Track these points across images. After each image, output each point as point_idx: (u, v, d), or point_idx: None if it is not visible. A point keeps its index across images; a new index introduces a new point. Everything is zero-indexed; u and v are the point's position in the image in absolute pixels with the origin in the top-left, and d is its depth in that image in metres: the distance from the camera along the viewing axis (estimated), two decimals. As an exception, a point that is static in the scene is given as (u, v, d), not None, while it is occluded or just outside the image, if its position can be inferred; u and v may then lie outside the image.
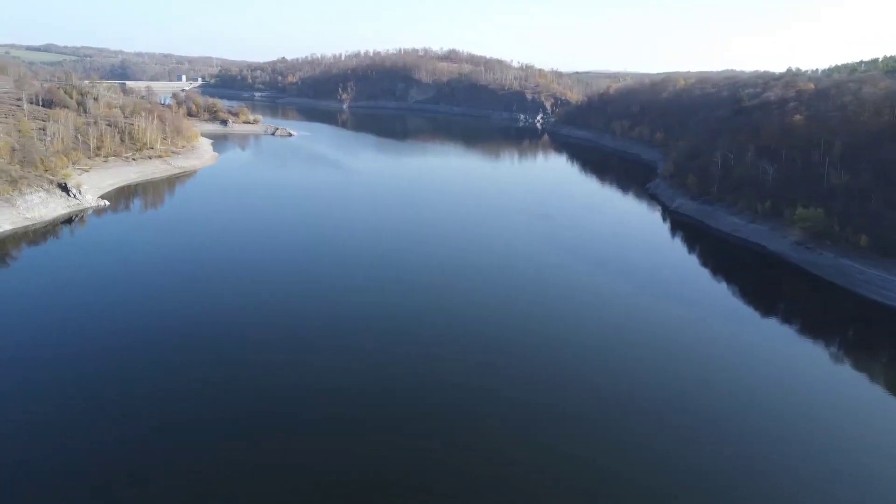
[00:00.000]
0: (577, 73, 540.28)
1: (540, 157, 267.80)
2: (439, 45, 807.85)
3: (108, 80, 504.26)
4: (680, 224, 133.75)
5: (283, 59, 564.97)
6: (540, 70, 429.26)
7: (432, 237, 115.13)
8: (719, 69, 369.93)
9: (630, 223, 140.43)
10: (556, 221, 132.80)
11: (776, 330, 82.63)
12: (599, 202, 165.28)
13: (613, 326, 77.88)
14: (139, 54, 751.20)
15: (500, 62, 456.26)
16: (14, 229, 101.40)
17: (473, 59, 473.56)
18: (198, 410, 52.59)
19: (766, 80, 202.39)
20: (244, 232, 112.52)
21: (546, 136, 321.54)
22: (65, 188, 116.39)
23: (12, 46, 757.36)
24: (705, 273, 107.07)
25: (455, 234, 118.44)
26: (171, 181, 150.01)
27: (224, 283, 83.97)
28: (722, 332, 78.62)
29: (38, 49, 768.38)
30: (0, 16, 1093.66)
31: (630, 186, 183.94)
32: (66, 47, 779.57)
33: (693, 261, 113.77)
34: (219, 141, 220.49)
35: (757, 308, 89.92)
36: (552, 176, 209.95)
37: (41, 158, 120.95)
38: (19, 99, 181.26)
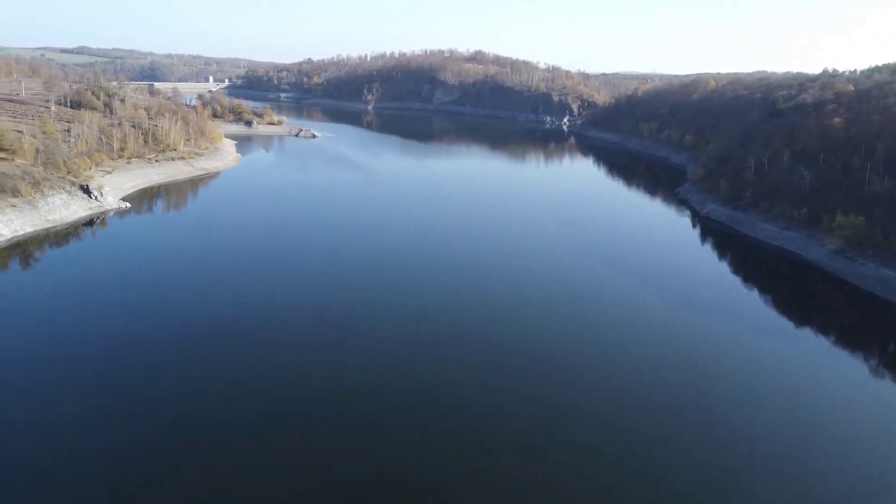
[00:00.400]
0: (604, 74, 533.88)
1: (566, 159, 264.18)
2: (465, 46, 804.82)
3: (137, 81, 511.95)
4: (710, 230, 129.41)
5: (309, 60, 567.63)
6: (567, 71, 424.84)
7: (455, 240, 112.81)
8: (750, 70, 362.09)
9: (658, 228, 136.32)
10: (581, 226, 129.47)
11: (812, 342, 78.55)
12: (626, 206, 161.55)
13: (638, 335, 74.83)
14: (169, 56, 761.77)
15: (526, 63, 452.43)
16: (35, 231, 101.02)
17: (499, 61, 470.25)
18: (217, 408, 52.96)
19: (801, 82, 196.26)
20: (263, 234, 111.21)
21: (572, 139, 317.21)
22: (86, 190, 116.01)
23: (47, 49, 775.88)
24: (736, 281, 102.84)
25: (479, 236, 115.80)
26: (194, 183, 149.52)
27: (241, 284, 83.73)
28: (753, 344, 74.72)
29: (71, 51, 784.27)
30: (35, 19, 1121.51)
31: (658, 190, 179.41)
32: (98, 49, 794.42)
33: (724, 269, 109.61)
34: (243, 142, 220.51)
35: (791, 319, 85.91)
36: (578, 179, 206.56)
37: (64, 160, 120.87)
38: (48, 100, 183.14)
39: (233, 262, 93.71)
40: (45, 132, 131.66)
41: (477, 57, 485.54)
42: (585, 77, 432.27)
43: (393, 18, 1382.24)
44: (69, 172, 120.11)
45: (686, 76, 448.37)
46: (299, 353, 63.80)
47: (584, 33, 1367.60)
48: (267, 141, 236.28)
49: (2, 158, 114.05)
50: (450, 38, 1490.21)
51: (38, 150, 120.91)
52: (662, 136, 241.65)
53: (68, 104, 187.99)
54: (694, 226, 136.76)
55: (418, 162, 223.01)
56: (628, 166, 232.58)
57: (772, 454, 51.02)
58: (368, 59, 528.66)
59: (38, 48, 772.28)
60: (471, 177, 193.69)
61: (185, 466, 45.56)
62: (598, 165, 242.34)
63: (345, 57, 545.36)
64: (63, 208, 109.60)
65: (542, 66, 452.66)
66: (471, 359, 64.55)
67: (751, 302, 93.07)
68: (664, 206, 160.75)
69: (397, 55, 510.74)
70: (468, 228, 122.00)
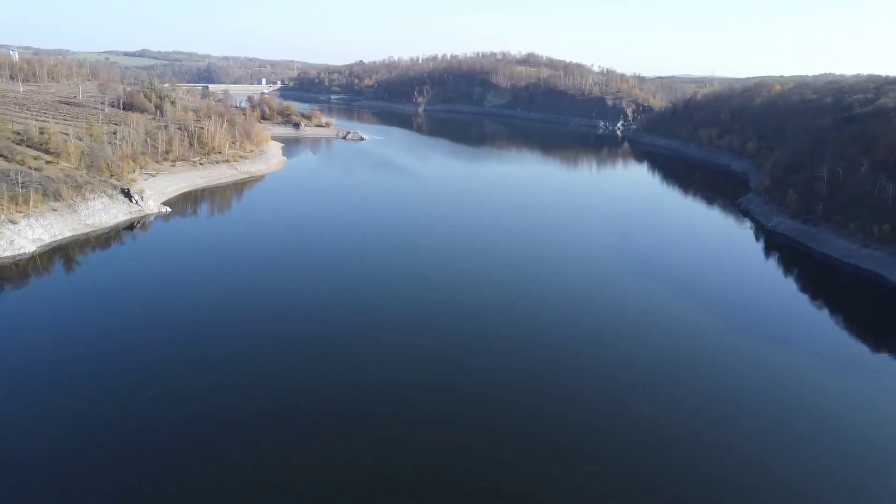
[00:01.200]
0: (659, 77, 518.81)
1: (620, 166, 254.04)
2: (517, 48, 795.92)
3: (193, 83, 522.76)
4: (776, 245, 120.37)
5: (361, 62, 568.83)
6: (622, 75, 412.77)
7: (503, 250, 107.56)
8: (816, 73, 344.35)
9: (718, 242, 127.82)
10: (636, 238, 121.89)
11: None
12: (684, 217, 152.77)
13: (697, 359, 69.04)
14: (225, 58, 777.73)
15: (579, 66, 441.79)
16: (74, 236, 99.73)
17: (552, 63, 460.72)
18: (245, 408, 54.34)
19: (878, 85, 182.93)
20: (300, 238, 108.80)
21: (626, 144, 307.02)
22: (127, 194, 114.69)
23: (111, 52, 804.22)
24: (805, 301, 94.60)
25: (528, 247, 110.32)
26: (237, 186, 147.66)
27: (276, 285, 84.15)
28: (828, 374, 67.28)
29: (133, 54, 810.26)
30: (102, 25, 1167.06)
31: (718, 200, 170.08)
32: (158, 52, 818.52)
33: (791, 287, 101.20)
34: (290, 144, 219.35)
35: (871, 346, 77.42)
36: (632, 187, 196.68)
37: (107, 163, 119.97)
38: (102, 102, 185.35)
39: (269, 265, 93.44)
40: (91, 135, 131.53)
41: (529, 59, 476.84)
42: (641, 80, 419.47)
43: (445, 20, 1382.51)
44: (112, 176, 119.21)
45: (747, 79, 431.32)
46: (340, 355, 64.96)
47: (639, 35, 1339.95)
48: (314, 143, 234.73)
49: (47, 161, 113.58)
50: (502, 39, 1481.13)
51: (83, 153, 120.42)
52: (722, 142, 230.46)
53: (121, 106, 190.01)
54: (757, 239, 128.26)
55: (467, 167, 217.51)
56: (685, 174, 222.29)
57: None
58: (420, 61, 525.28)
59: (104, 52, 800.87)
60: (521, 183, 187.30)
61: (208, 459, 47.35)
62: (653, 172, 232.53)
63: (396, 59, 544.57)
64: (103, 212, 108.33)
65: (595, 69, 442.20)
66: (520, 371, 63.76)
67: (824, 325, 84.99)
68: (725, 217, 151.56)
69: (448, 57, 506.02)
70: (517, 239, 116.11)
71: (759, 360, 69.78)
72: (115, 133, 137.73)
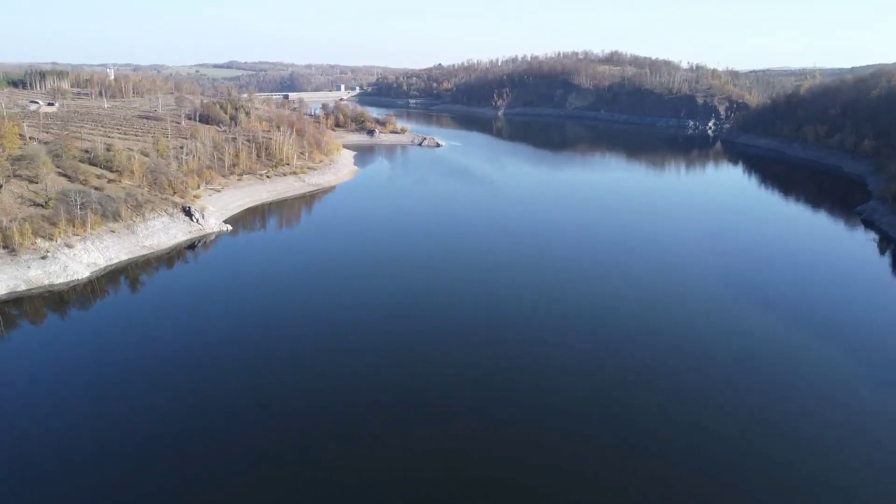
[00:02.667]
0: (753, 71, 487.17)
1: (711, 169, 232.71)
2: (600, 47, 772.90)
3: (277, 91, 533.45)
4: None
5: (439, 66, 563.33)
6: (713, 70, 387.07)
7: (582, 269, 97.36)
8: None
9: (837, 258, 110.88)
10: (735, 257, 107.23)
11: None
12: (790, 227, 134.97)
13: (835, 420, 56.22)
14: (308, 66, 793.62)
15: (667, 63, 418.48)
16: (131, 259, 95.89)
17: (637, 61, 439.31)
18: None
19: None
20: (362, 252, 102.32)
21: (719, 145, 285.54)
22: (188, 212, 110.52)
23: (202, 65, 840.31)
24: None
25: (615, 262, 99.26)
26: (304, 200, 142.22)
27: (333, 302, 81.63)
28: None
29: (222, 66, 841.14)
30: (194, 39, 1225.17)
31: (830, 207, 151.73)
32: (245, 63, 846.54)
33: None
34: (364, 152, 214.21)
35: None
36: (727, 195, 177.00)
37: (169, 180, 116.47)
38: (179, 115, 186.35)
39: (325, 283, 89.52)
40: (157, 150, 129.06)
41: (613, 58, 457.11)
42: (734, 75, 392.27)
43: (524, 20, 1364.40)
44: (175, 193, 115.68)
45: (861, 68, 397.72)
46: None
47: (730, 26, 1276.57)
48: (389, 151, 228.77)
49: (110, 180, 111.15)
50: (583, 38, 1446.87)
51: (146, 170, 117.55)
52: (832, 141, 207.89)
53: (197, 118, 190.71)
54: (882, 253, 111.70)
55: (547, 174, 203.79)
56: (788, 177, 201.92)
57: None
58: (499, 63, 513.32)
59: (194, 65, 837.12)
60: (605, 191, 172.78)
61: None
62: (750, 175, 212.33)
63: (475, 62, 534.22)
64: (162, 233, 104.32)
65: (684, 65, 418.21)
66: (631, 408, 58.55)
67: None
68: (841, 226, 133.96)
69: (529, 59, 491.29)
70: (601, 257, 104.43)
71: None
72: (181, 147, 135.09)
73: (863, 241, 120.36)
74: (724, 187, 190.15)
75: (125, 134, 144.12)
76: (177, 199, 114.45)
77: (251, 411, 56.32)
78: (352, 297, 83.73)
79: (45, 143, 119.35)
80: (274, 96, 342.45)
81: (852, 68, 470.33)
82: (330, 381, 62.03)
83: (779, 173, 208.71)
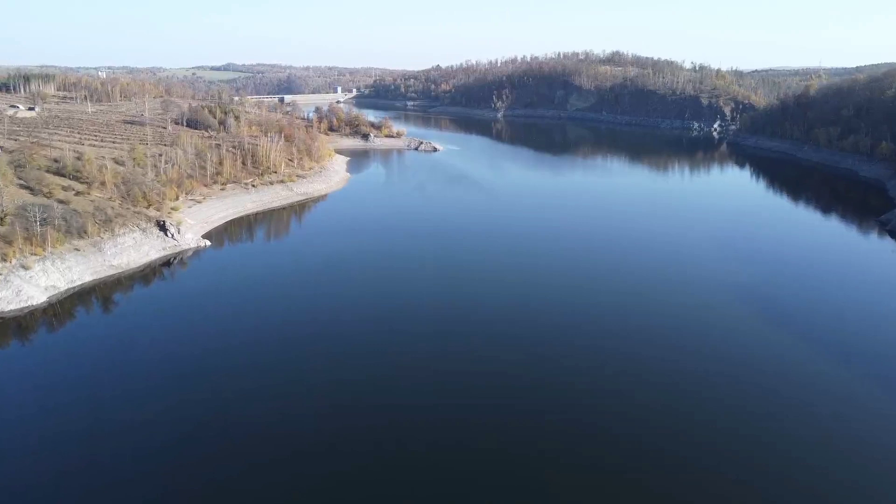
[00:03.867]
0: (756, 71, 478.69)
1: (719, 172, 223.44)
2: (601, 47, 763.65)
3: (274, 94, 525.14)
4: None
5: (437, 67, 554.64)
6: (717, 70, 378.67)
7: (586, 282, 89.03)
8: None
9: (857, 269, 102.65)
10: (753, 266, 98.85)
11: None
12: (807, 236, 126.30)
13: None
14: (306, 68, 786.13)
15: (670, 63, 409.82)
16: (97, 280, 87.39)
17: (639, 62, 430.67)
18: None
19: None
20: (347, 275, 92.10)
21: (725, 147, 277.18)
22: (163, 227, 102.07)
23: (200, 68, 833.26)
24: None
25: (627, 279, 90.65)
26: (292, 210, 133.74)
27: (314, 328, 70.37)
28: None
29: (219, 69, 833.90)
30: (191, 42, 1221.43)
31: (847, 213, 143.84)
32: (243, 65, 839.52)
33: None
34: (358, 158, 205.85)
35: None
36: (737, 197, 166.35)
37: (144, 192, 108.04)
38: (166, 119, 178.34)
39: (307, 309, 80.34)
40: (134, 158, 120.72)
41: (614, 58, 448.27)
42: (739, 76, 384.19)
43: (524, 21, 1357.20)
44: (149, 205, 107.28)
45: (866, 67, 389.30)
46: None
47: (732, 24, 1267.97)
48: (384, 156, 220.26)
49: (77, 192, 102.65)
50: (584, 39, 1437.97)
51: (121, 181, 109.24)
52: (846, 143, 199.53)
53: (184, 123, 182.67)
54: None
55: (549, 179, 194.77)
56: (799, 181, 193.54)
57: None
58: (498, 65, 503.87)
59: (192, 68, 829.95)
60: (609, 195, 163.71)
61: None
62: (760, 179, 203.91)
63: (474, 62, 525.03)
64: (133, 250, 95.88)
65: (687, 65, 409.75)
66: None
67: None
68: (855, 232, 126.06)
69: (529, 59, 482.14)
70: (606, 268, 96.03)
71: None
72: (160, 155, 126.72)
73: (887, 251, 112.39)
74: (735, 191, 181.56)
75: (102, 141, 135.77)
76: (151, 212, 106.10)
77: (228, 450, 50.93)
78: (336, 318, 76.12)
79: (10, 151, 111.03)
80: (265, 99, 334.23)
81: (857, 67, 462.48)
82: (316, 419, 55.56)
83: (790, 177, 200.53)
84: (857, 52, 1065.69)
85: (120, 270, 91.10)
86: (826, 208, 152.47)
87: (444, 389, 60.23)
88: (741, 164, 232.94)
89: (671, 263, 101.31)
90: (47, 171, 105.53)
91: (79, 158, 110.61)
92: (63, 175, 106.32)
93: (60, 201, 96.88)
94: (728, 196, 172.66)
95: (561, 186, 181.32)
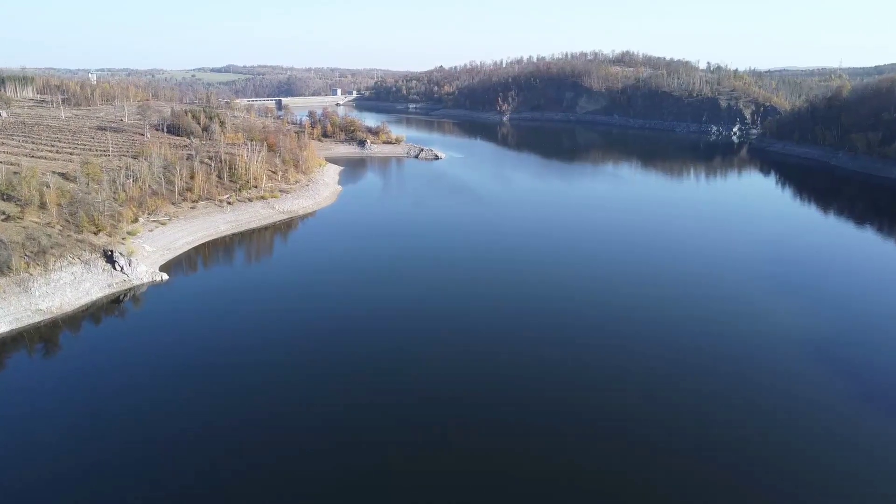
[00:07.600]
0: (769, 71, 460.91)
1: (745, 181, 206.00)
2: (611, 47, 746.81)
3: (273, 96, 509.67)
4: None
5: (440, 68, 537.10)
6: (735, 71, 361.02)
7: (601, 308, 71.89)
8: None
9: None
10: (800, 297, 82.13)
11: None
12: (847, 258, 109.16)
13: None
14: (307, 70, 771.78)
15: (684, 64, 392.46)
16: (14, 329, 70.93)
17: (652, 62, 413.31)
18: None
19: None
20: (331, 314, 75.03)
21: (745, 152, 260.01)
22: (110, 258, 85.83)
23: (200, 69, 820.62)
24: None
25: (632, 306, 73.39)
26: (272, 230, 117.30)
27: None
28: None
29: (220, 70, 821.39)
30: (190, 44, 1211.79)
31: (887, 225, 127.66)
32: (244, 67, 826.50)
33: None
34: (353, 167, 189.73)
35: None
36: (770, 212, 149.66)
37: (92, 215, 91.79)
38: (145, 125, 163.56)
39: (278, 355, 65.11)
40: (87, 173, 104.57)
41: (625, 59, 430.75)
42: (758, 76, 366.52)
43: (529, 20, 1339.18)
44: (98, 231, 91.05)
45: (886, 66, 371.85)
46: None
47: (749, 22, 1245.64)
48: (382, 164, 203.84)
49: (7, 217, 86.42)
50: (591, 38, 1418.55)
51: (69, 201, 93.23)
52: (889, 150, 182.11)
53: (165, 129, 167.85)
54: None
55: (559, 189, 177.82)
56: (836, 191, 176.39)
57: None
58: (503, 65, 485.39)
59: (191, 69, 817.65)
60: (625, 206, 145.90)
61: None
62: (783, 187, 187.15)
63: (478, 63, 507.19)
64: (70, 288, 79.68)
65: (702, 65, 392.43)
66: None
67: None
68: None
69: (535, 60, 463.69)
70: (620, 296, 79.32)
71: None
72: (122, 168, 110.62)
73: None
74: (765, 203, 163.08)
75: (58, 152, 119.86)
76: (100, 238, 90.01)
77: None
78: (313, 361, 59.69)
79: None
80: (256, 102, 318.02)
81: (876, 67, 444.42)
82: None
83: (822, 187, 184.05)
84: (870, 52, 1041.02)
85: (50, 315, 74.84)
86: (872, 224, 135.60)
87: (456, 397, 58.62)
88: (764, 172, 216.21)
89: (709, 298, 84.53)
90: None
91: (16, 174, 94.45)
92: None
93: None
94: (765, 217, 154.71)
95: (574, 201, 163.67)
